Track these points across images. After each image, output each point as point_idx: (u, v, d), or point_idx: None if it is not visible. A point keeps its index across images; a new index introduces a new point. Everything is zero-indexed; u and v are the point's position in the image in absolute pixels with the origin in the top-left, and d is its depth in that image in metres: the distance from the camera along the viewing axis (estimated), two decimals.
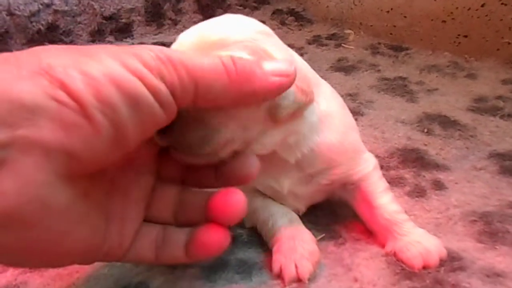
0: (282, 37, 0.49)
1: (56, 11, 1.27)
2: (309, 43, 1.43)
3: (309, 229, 0.53)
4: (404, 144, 0.80)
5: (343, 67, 1.22)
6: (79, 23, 1.31)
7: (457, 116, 0.90)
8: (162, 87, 0.32)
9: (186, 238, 0.41)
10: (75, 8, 1.31)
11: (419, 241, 0.51)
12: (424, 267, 0.49)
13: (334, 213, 0.60)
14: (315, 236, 0.53)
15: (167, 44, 0.43)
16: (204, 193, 0.43)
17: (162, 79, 0.32)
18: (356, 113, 0.91)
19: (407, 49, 1.32)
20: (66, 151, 0.29)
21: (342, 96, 0.58)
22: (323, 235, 0.55)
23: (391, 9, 1.37)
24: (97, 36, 1.38)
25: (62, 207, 0.31)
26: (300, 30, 1.58)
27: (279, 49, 0.44)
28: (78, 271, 0.50)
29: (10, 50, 1.17)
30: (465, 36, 1.22)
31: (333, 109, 0.52)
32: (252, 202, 0.52)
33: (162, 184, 0.44)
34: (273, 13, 1.67)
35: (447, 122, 0.87)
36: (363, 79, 1.14)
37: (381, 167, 0.59)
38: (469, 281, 0.46)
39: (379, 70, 1.19)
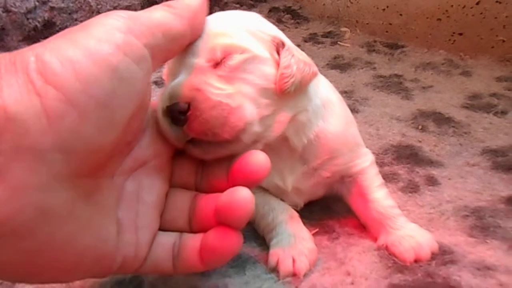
0: None
1: (52, 8, 1.27)
2: (305, 41, 1.44)
3: (304, 224, 0.54)
4: (399, 141, 0.80)
5: (339, 65, 1.22)
6: (76, 20, 1.31)
7: (452, 113, 0.91)
8: (142, 51, 0.33)
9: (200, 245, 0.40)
10: (71, 5, 1.31)
11: (411, 235, 0.51)
12: (416, 261, 0.49)
13: (328, 209, 0.61)
14: (309, 231, 0.53)
15: None
16: (217, 197, 0.41)
17: (140, 41, 0.33)
18: (351, 110, 0.89)
19: (402, 47, 1.32)
20: (58, 149, 0.28)
21: None
22: (317, 229, 0.56)
23: (387, 7, 1.38)
24: None
25: (62, 210, 0.30)
26: (296, 28, 1.58)
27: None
28: None
29: (6, 47, 1.17)
30: (460, 34, 1.23)
31: (334, 98, 0.55)
32: None
33: (175, 190, 0.43)
34: (270, 11, 1.68)
35: (441, 119, 0.88)
36: (358, 76, 1.14)
37: (376, 163, 0.59)
38: (459, 274, 0.47)
39: (374, 68, 1.20)
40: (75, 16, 1.31)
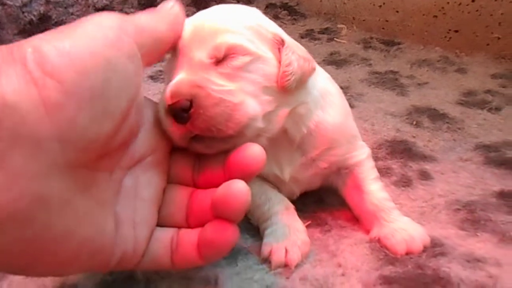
0: None
1: (48, 2, 1.26)
2: (302, 37, 1.44)
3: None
4: (393, 136, 0.81)
5: (335, 61, 1.23)
6: (72, 14, 1.30)
7: (446, 109, 0.91)
8: (133, 48, 0.35)
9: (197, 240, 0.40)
10: None
11: (404, 228, 0.52)
12: (407, 254, 0.50)
13: (321, 202, 0.62)
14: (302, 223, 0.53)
15: None
16: (213, 192, 0.41)
17: (134, 41, 0.35)
18: None
19: (398, 43, 1.33)
20: (56, 138, 0.29)
21: None
22: (310, 222, 0.56)
23: (384, 3, 1.38)
24: None
25: (59, 199, 0.30)
26: (293, 24, 1.58)
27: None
28: None
29: (1, 41, 1.17)
30: (456, 31, 1.23)
31: (332, 89, 0.56)
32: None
33: (173, 186, 0.43)
34: (267, 7, 1.68)
35: (436, 115, 0.89)
36: (354, 72, 1.15)
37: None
38: (449, 266, 0.47)
39: (370, 64, 1.20)
40: (71, 10, 1.30)
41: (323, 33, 1.47)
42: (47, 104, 0.29)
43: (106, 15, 0.35)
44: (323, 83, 0.54)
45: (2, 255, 0.30)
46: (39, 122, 0.28)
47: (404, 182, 0.66)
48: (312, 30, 1.51)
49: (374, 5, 1.41)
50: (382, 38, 1.38)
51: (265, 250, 0.50)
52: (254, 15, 0.48)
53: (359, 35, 1.42)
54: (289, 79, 0.45)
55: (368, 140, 0.79)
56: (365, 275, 0.47)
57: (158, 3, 0.41)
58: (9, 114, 0.27)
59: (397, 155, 0.74)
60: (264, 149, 0.40)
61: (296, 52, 0.47)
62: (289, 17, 1.62)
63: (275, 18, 1.60)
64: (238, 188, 0.38)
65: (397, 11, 1.35)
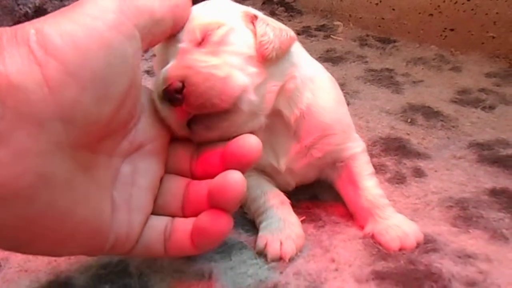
0: None
1: None
2: (299, 34, 1.44)
3: None
4: (388, 133, 0.81)
5: (331, 58, 1.23)
6: None
7: (441, 107, 0.92)
8: (133, 31, 0.35)
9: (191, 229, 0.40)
10: None
11: (398, 225, 0.52)
12: (401, 250, 0.50)
13: (315, 197, 0.62)
14: None
15: None
16: (210, 183, 0.41)
17: (130, 21, 0.35)
18: None
19: (394, 41, 1.33)
20: (58, 118, 0.30)
21: None
22: (304, 217, 0.57)
23: (380, 1, 1.38)
24: None
25: (61, 178, 0.31)
26: (290, 21, 1.58)
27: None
28: None
29: None
30: (451, 30, 1.24)
31: (322, 75, 0.57)
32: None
33: (170, 176, 0.44)
34: (263, 3, 1.68)
35: (430, 113, 0.89)
36: (350, 70, 1.15)
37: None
38: (441, 262, 0.47)
39: (366, 62, 1.20)
40: (66, 3, 1.29)
41: (320, 30, 1.48)
42: (50, 84, 0.29)
43: None
44: (314, 68, 0.56)
45: (5, 231, 0.31)
46: (43, 102, 0.29)
47: (398, 179, 0.67)
48: (308, 27, 1.51)
49: (370, 3, 1.41)
50: (378, 36, 1.38)
51: (261, 242, 0.50)
52: (222, 2, 0.50)
53: (355, 33, 1.43)
54: (267, 48, 0.46)
55: (363, 137, 0.79)
56: (357, 270, 0.47)
57: None
58: (14, 94, 0.28)
59: (392, 152, 0.75)
60: (261, 138, 0.41)
61: (271, 24, 0.48)
62: (285, 14, 1.62)
63: (272, 14, 1.60)
64: (234, 178, 0.38)
65: (393, 9, 1.36)
